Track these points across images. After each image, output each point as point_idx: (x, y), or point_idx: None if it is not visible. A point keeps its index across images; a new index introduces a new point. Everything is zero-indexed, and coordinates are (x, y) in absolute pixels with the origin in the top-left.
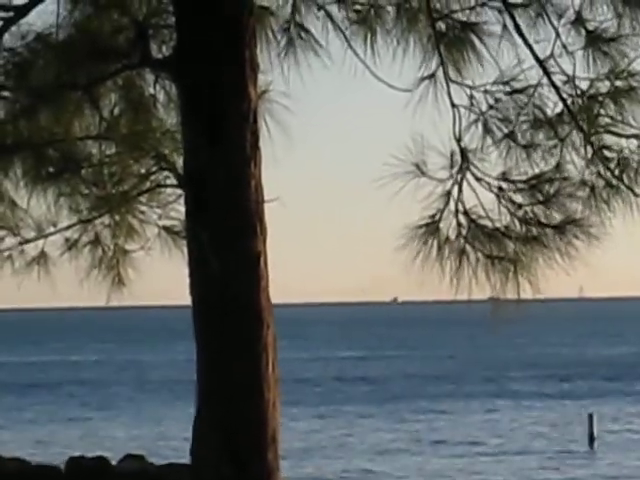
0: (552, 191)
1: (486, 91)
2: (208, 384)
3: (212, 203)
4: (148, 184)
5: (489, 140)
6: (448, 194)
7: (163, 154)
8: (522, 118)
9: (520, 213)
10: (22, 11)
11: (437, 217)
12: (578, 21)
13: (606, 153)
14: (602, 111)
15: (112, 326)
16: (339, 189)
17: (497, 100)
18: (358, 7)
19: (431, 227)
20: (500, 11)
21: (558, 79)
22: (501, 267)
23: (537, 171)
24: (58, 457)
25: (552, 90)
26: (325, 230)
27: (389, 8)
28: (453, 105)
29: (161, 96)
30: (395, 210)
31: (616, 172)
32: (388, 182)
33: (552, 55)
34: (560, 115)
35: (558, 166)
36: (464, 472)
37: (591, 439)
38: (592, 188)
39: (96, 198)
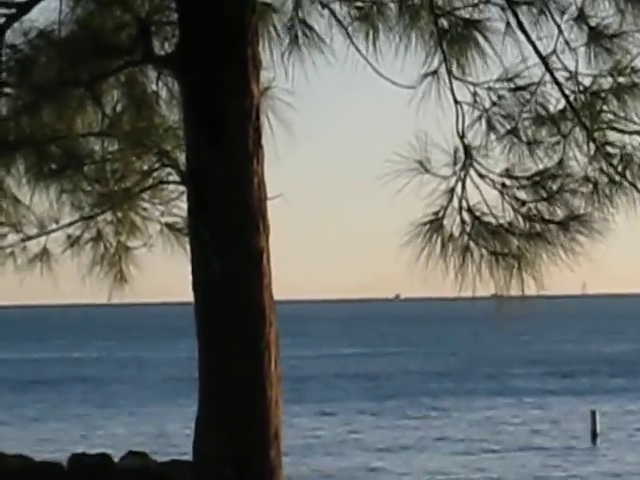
0: (555, 187)
1: (489, 88)
2: (210, 382)
3: (214, 200)
4: (150, 181)
5: (492, 137)
6: (452, 191)
7: (165, 151)
8: (525, 115)
9: (524, 209)
10: (24, 8)
11: (441, 214)
12: (580, 17)
13: (609, 149)
14: (605, 107)
15: (114, 323)
16: (342, 186)
17: (500, 97)
18: (360, 4)
19: (435, 224)
20: (503, 8)
21: (561, 75)
22: (505, 264)
23: (540, 167)
24: (60, 454)
25: (554, 87)
26: (328, 227)
27: (391, 5)
28: (456, 102)
29: (163, 93)
30: (398, 207)
31: (619, 168)
32: (391, 179)
33: (555, 51)
34: (563, 112)
35: (561, 162)
36: (467, 469)
37: (594, 436)
38: (595, 184)
39: (98, 195)
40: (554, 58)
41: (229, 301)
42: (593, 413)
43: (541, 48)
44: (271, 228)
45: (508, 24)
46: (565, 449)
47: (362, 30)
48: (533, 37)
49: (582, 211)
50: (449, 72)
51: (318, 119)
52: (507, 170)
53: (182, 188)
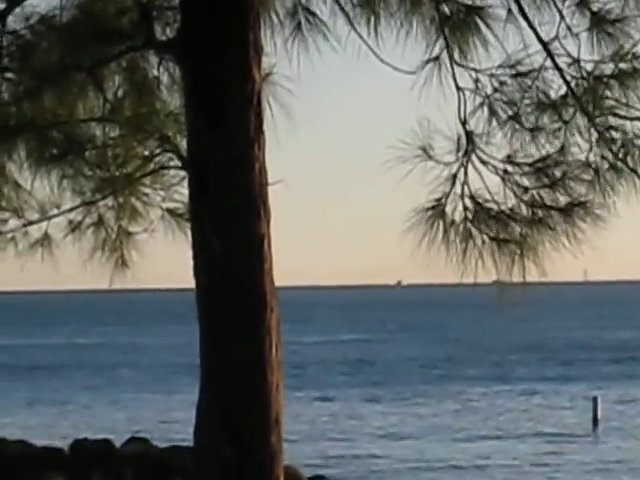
0: (558, 174)
1: (492, 75)
2: (211, 367)
3: (215, 186)
4: (152, 166)
5: (494, 123)
6: (454, 177)
7: (167, 136)
8: (526, 101)
9: (526, 196)
10: None
11: (443, 200)
12: (582, 3)
13: (610, 136)
14: (606, 93)
15: (115, 309)
16: (344, 172)
17: (502, 83)
18: None
19: (437, 210)
20: None
21: (562, 61)
22: (507, 250)
23: (542, 154)
24: (62, 440)
25: (556, 73)
26: (330, 213)
27: None
28: (458, 88)
29: (165, 78)
30: (400, 193)
31: (620, 155)
32: (394, 166)
33: (557, 37)
34: (564, 98)
35: (562, 149)
36: (466, 455)
37: (595, 422)
38: (596, 171)
39: (100, 180)
40: (556, 44)
41: (230, 287)
42: (595, 399)
43: (543, 34)
44: (272, 214)
45: (510, 10)
46: (566, 435)
47: (364, 16)
48: (535, 23)
49: (584, 198)
50: (451, 58)
51: (320, 105)
52: (509, 156)
53: (183, 173)
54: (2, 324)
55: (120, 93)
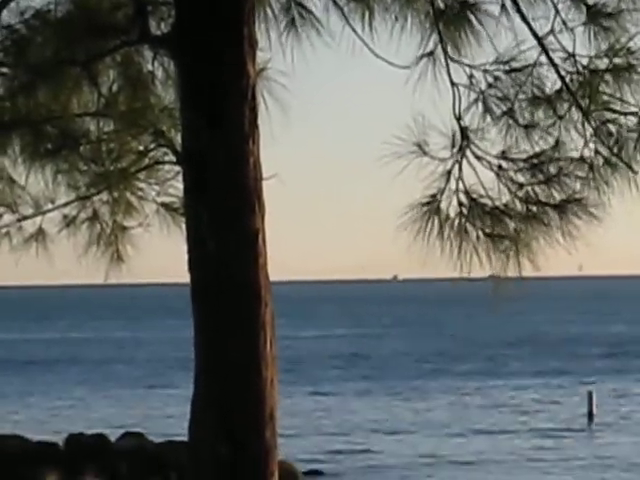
0: (552, 170)
1: (486, 70)
2: (206, 362)
3: (210, 181)
4: (146, 161)
5: (489, 119)
6: (449, 173)
7: (161, 131)
8: (521, 96)
9: (520, 192)
10: None
11: (438, 196)
12: None
13: (605, 131)
14: (601, 88)
15: (110, 303)
16: (340, 167)
17: (496, 79)
18: None
19: (432, 206)
20: None
21: (557, 56)
22: (502, 245)
23: (537, 149)
24: (56, 434)
25: (550, 68)
26: (325, 208)
27: None
28: (453, 84)
29: (159, 73)
30: (396, 188)
31: (615, 149)
32: (390, 161)
33: (552, 31)
34: (559, 92)
35: (557, 144)
36: (461, 450)
37: (590, 416)
38: (591, 166)
39: (94, 175)
40: (550, 39)
41: (225, 281)
42: (590, 394)
43: (537, 29)
44: (267, 208)
45: (504, 5)
46: (561, 430)
47: (358, 11)
48: (529, 18)
49: (579, 194)
50: (445, 53)
51: (314, 100)
52: (503, 152)
53: (178, 168)
54: None
55: (115, 88)
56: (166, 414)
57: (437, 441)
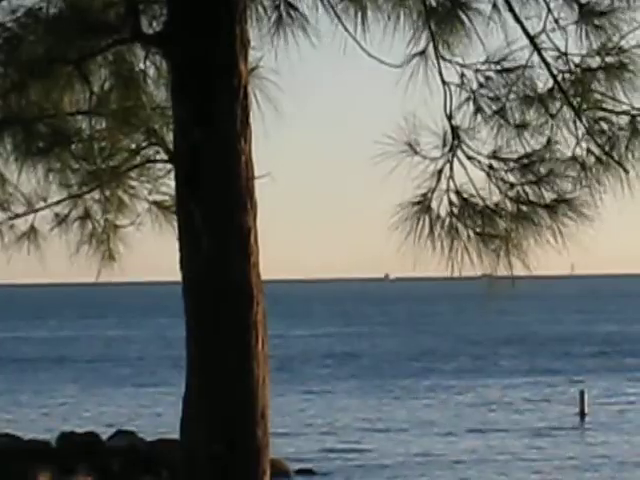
0: (543, 170)
1: (477, 70)
2: (198, 361)
3: (202, 179)
4: (138, 159)
5: (480, 118)
6: (440, 172)
7: (153, 129)
8: (512, 96)
9: (511, 192)
10: None
11: (429, 195)
12: None
13: (596, 129)
14: (593, 87)
15: (102, 302)
16: (333, 166)
17: (488, 78)
18: None
19: (423, 205)
20: None
21: (549, 55)
22: (492, 245)
23: (528, 149)
24: (47, 433)
25: (542, 66)
26: (318, 207)
27: None
28: (444, 83)
29: (151, 71)
30: (389, 188)
31: (606, 148)
32: (381, 160)
33: (544, 30)
34: (551, 91)
35: (548, 144)
36: (452, 449)
37: (582, 415)
38: (583, 165)
39: (86, 173)
40: (542, 37)
41: (216, 280)
42: (582, 393)
43: (529, 28)
44: (259, 207)
45: (495, 4)
46: (552, 429)
47: (350, 9)
48: (521, 16)
49: (570, 195)
50: (437, 53)
51: (307, 98)
52: (494, 152)
53: (169, 166)
54: None
55: (106, 86)
56: (158, 412)
57: (429, 440)
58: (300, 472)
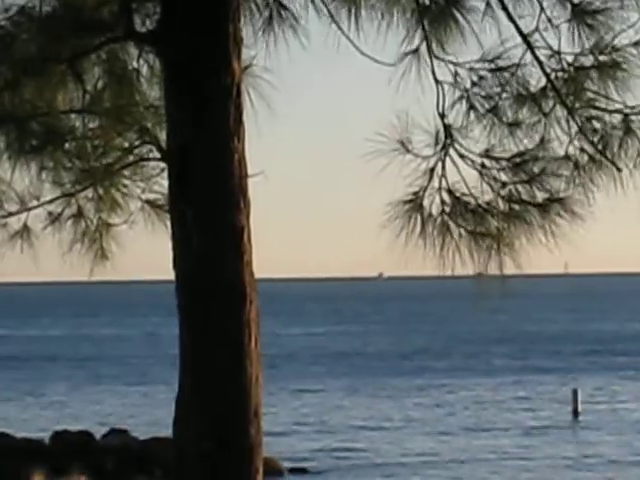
0: (536, 169)
1: (471, 68)
2: (191, 360)
3: (195, 178)
4: (131, 157)
5: (473, 117)
6: (432, 171)
7: (146, 128)
8: (506, 94)
9: (503, 191)
10: None
11: (421, 194)
12: None
13: (590, 128)
14: (586, 86)
15: (94, 301)
16: (327, 164)
17: (481, 77)
18: None
19: (415, 203)
20: None
21: (542, 54)
22: (484, 244)
23: (521, 148)
24: (40, 432)
25: (536, 65)
26: (311, 205)
27: None
28: (437, 81)
29: (144, 70)
30: (383, 186)
31: (599, 147)
32: (373, 159)
33: (537, 29)
34: (544, 90)
35: (541, 143)
36: (446, 449)
37: (575, 414)
38: (575, 163)
39: (79, 171)
40: (536, 36)
41: (209, 279)
42: (575, 391)
43: (522, 26)
44: (252, 205)
45: (489, 3)
46: (546, 428)
47: (344, 7)
48: (514, 15)
49: (562, 194)
50: (430, 51)
51: (300, 97)
52: (487, 151)
53: (163, 165)
54: None
55: (100, 85)
56: (151, 411)
57: (422, 438)
58: (293, 471)
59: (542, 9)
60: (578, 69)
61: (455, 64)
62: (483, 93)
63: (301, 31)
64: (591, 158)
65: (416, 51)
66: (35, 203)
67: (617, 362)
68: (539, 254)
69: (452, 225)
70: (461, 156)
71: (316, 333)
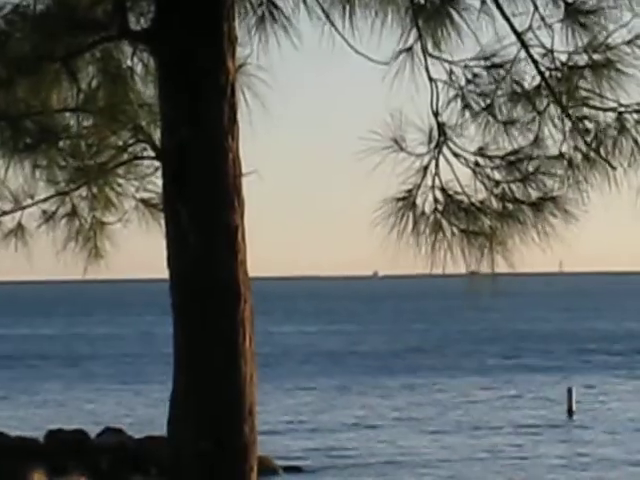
0: (529, 168)
1: (465, 66)
2: (185, 358)
3: (190, 177)
4: (125, 156)
5: (467, 115)
6: (425, 169)
7: (140, 126)
8: (500, 92)
9: (496, 189)
10: None
11: (414, 192)
12: None
13: (583, 126)
14: (580, 84)
15: (89, 299)
16: (321, 162)
17: (475, 75)
18: None
19: (408, 201)
20: None
21: (536, 52)
22: (476, 242)
23: (515, 146)
24: (35, 430)
25: (530, 64)
26: (306, 204)
27: None
28: (431, 79)
29: (139, 68)
30: (378, 184)
31: (593, 145)
32: (366, 157)
33: (530, 27)
34: (538, 88)
35: (535, 141)
36: (439, 447)
37: (570, 413)
38: (569, 162)
39: (73, 170)
40: (530, 35)
41: (204, 277)
42: (569, 390)
43: (517, 25)
44: (247, 204)
45: (484, 1)
46: (540, 427)
47: (338, 6)
48: (509, 14)
49: (555, 193)
50: (424, 49)
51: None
52: (480, 149)
53: (157, 163)
54: None
55: (94, 83)
56: (145, 410)
57: (415, 437)
58: (288, 469)
59: (536, 8)
60: (572, 68)
61: (450, 62)
62: (478, 91)
63: (294, 30)
64: (585, 156)
65: (410, 49)
66: (29, 202)
67: (611, 361)
68: (533, 253)
69: (445, 223)
70: (455, 154)
71: (310, 332)
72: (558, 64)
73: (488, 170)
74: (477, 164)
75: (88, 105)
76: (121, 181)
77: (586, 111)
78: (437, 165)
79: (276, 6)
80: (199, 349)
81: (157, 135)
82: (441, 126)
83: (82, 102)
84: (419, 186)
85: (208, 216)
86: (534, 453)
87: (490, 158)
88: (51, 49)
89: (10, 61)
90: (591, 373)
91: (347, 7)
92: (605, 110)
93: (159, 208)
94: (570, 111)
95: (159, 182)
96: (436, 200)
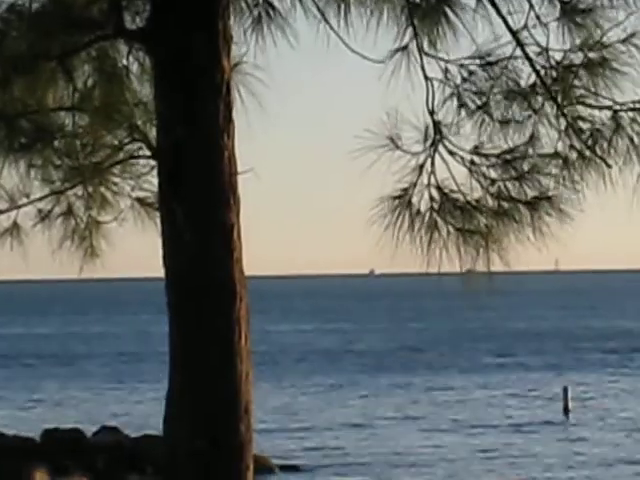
0: (525, 167)
1: (461, 65)
2: (180, 357)
3: (185, 176)
4: (121, 155)
5: (463, 114)
6: (421, 167)
7: (136, 125)
8: (496, 90)
9: (492, 188)
10: None
11: (409, 190)
12: None
13: (579, 125)
14: (575, 83)
15: (84, 298)
16: (317, 160)
17: (471, 73)
18: None
19: (403, 200)
20: None
21: (532, 51)
22: (472, 241)
23: (511, 145)
24: (30, 429)
25: (525, 62)
26: (303, 202)
27: None
28: (427, 78)
29: (134, 67)
30: (374, 182)
31: (589, 143)
32: (362, 155)
33: (526, 26)
34: (533, 87)
35: (531, 139)
36: (434, 446)
37: (566, 412)
38: (565, 160)
39: (69, 169)
40: (525, 33)
41: (199, 276)
42: (565, 389)
43: (512, 23)
44: (242, 203)
45: (479, 0)
46: (536, 425)
47: (334, 4)
48: (504, 12)
49: (551, 192)
50: (419, 48)
51: (290, 94)
52: (476, 147)
53: (152, 162)
54: None
55: (90, 82)
56: (141, 408)
57: (412, 436)
58: (284, 468)
59: (531, 6)
60: (567, 66)
61: (445, 61)
62: (473, 89)
63: (290, 29)
64: (580, 155)
65: (406, 48)
66: (25, 201)
67: (607, 359)
68: (528, 251)
69: (440, 222)
70: (450, 153)
71: (306, 330)
72: (553, 63)
73: (484, 168)
74: (473, 162)
75: (84, 104)
76: (117, 180)
77: (581, 110)
78: (433, 163)
79: (272, 6)
80: (195, 348)
81: (153, 134)
82: (437, 124)
83: (78, 101)
84: (415, 184)
85: (204, 215)
86: (530, 451)
87: (486, 156)
88: (47, 48)
89: (6, 60)
90: (587, 371)
91: (342, 6)
92: (600, 108)
93: (155, 207)
94: (565, 110)
95: (155, 181)
96: (432, 198)
